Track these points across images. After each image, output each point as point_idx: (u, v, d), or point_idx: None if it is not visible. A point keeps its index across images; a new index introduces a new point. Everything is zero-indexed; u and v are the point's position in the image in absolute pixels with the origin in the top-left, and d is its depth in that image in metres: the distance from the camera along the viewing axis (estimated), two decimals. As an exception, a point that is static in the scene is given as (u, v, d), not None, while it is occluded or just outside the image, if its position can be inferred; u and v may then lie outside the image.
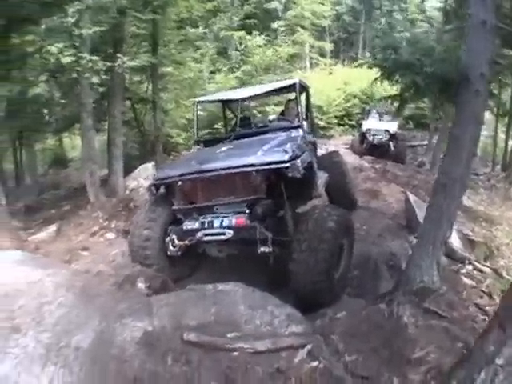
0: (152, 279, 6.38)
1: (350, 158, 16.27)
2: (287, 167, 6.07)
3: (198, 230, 6.45)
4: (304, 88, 9.30)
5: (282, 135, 7.60)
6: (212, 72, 24.05)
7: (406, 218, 9.25)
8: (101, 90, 14.37)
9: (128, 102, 18.50)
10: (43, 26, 12.35)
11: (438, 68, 5.70)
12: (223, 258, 6.90)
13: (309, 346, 4.09)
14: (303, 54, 33.72)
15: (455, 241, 7.85)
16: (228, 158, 6.69)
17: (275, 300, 4.97)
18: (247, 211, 6.30)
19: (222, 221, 6.32)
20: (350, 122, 27.13)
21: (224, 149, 7.34)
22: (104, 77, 12.21)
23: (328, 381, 3.84)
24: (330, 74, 30.38)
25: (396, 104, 8.95)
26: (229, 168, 6.36)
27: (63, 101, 17.40)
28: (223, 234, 6.24)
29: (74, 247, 9.59)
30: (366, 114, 21.62)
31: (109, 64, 12.10)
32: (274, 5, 28.81)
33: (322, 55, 36.11)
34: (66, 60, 11.31)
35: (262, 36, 25.29)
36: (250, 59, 24.68)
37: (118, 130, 14.87)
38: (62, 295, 4.68)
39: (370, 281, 6.90)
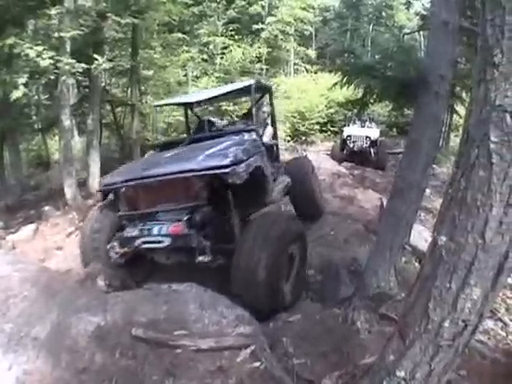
0: (112, 277, 6.39)
1: (328, 164, 16.27)
2: (226, 172, 5.77)
3: (137, 238, 6.30)
4: (265, 90, 9.52)
5: (233, 139, 7.31)
6: (197, 76, 23.89)
7: (380, 225, 9.23)
8: (84, 92, 14.43)
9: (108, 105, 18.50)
10: (30, 28, 12.42)
11: (397, 70, 5.70)
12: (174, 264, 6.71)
13: (252, 347, 4.18)
14: (287, 60, 33.77)
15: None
16: (171, 164, 6.49)
17: (226, 301, 5.05)
18: (185, 218, 6.00)
19: (161, 228, 6.13)
20: (332, 129, 27.15)
21: (171, 154, 7.24)
22: (81, 79, 12.26)
23: (268, 382, 3.90)
24: (314, 80, 30.35)
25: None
26: (168, 174, 6.15)
27: (47, 102, 17.46)
28: (161, 241, 6.07)
29: (50, 246, 9.97)
30: (347, 120, 21.69)
31: (85, 66, 12.12)
32: (257, 9, 28.66)
33: (307, 61, 36.12)
34: (45, 63, 11.36)
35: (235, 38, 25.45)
36: (226, 62, 24.70)
37: (95, 133, 15.07)
38: (27, 289, 4.95)
39: (331, 286, 6.82)
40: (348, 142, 19.25)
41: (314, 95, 27.00)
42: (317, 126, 26.66)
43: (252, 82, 8.16)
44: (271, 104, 9.51)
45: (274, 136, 9.24)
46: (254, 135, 7.53)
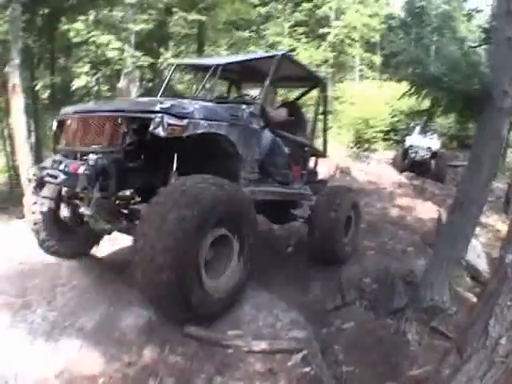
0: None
1: (389, 173, 16.27)
2: (148, 118, 4.61)
3: (45, 168, 5.46)
4: (315, 81, 8.07)
5: (220, 106, 5.73)
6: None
7: (437, 238, 9.13)
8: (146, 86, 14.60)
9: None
10: (91, 17, 12.62)
11: (464, 84, 5.63)
12: None
13: (304, 352, 4.11)
14: (352, 66, 33.57)
15: (482, 263, 7.75)
16: (118, 104, 5.64)
17: (282, 304, 5.02)
18: (91, 161, 4.77)
19: (67, 164, 5.06)
20: (395, 138, 26.81)
21: (144, 99, 6.48)
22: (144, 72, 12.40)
23: None
24: (379, 87, 30.10)
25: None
26: (101, 111, 5.25)
27: (108, 94, 17.77)
28: (57, 177, 5.12)
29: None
30: (409, 130, 21.43)
31: (151, 60, 12.29)
32: (325, 12, 28.45)
33: (372, 68, 35.84)
34: (113, 53, 11.55)
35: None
36: None
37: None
38: (77, 279, 5.04)
39: (385, 295, 6.65)
40: (410, 151, 18.98)
41: (378, 103, 26.67)
42: (380, 134, 26.28)
43: (278, 52, 6.83)
44: (324, 100, 8.20)
45: (310, 135, 7.90)
46: (250, 109, 6.02)
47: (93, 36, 12.09)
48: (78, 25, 12.33)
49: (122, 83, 13.72)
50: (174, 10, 14.19)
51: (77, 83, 13.18)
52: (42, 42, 16.11)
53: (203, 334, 4.25)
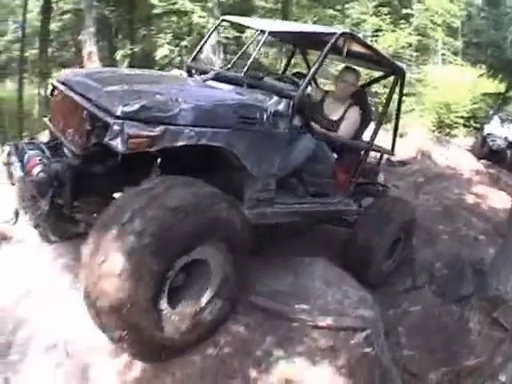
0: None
1: (468, 160, 16.04)
2: (106, 124, 3.51)
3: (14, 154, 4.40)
4: (394, 70, 6.36)
5: (238, 93, 4.65)
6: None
7: (508, 228, 9.05)
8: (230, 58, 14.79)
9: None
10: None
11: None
12: None
13: (368, 331, 4.10)
14: (435, 50, 33.07)
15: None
16: (97, 90, 3.97)
17: (352, 281, 4.97)
18: (53, 163, 4.01)
19: (30, 158, 4.13)
20: (475, 125, 26.34)
21: (139, 75, 5.10)
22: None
23: (374, 369, 3.89)
24: (461, 72, 29.53)
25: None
26: (77, 93, 4.12)
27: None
28: (15, 169, 4.17)
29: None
30: (489, 118, 21.04)
31: (237, 34, 12.43)
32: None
33: (454, 53, 35.20)
34: (198, 19, 11.73)
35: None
36: (378, 45, 23.85)
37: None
38: None
39: (454, 281, 6.66)
40: (488, 139, 18.70)
41: (460, 88, 26.28)
42: (461, 120, 25.87)
43: (337, 31, 5.09)
44: (400, 93, 6.56)
45: (373, 134, 6.27)
46: (279, 106, 4.61)
47: (176, 4, 12.30)
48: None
49: (203, 55, 13.80)
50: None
51: (159, 53, 13.44)
52: (120, 12, 16.51)
53: (270, 305, 4.23)
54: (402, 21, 25.69)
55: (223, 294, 3.79)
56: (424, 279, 6.61)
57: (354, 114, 6.18)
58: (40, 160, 3.99)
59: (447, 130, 25.25)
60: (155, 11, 13.49)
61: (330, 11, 20.45)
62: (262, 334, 3.91)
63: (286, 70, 8.02)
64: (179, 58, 18.28)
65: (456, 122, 25.79)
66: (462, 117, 25.94)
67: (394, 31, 24.31)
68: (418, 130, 18.69)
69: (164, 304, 3.34)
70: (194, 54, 6.42)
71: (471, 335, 4.96)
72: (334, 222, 6.57)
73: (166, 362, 3.51)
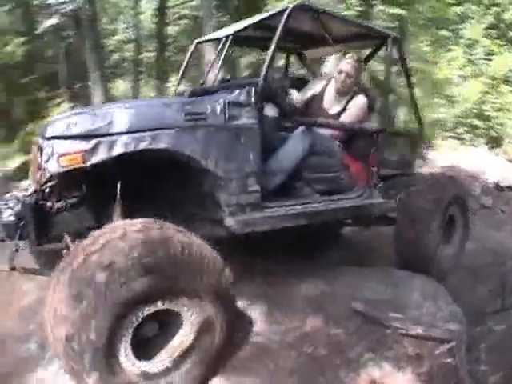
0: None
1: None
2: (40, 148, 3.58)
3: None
4: (378, 37, 5.85)
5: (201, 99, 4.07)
6: (463, 76, 23.58)
7: None
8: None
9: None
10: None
11: None
12: None
13: (452, 343, 4.31)
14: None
15: None
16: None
17: (447, 296, 5.22)
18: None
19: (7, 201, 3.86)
20: None
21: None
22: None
23: (451, 379, 4.11)
24: None
25: None
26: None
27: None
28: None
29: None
30: None
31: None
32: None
33: None
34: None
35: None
36: (490, 68, 23.67)
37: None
38: None
39: None
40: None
41: None
42: None
43: (289, 5, 4.52)
44: (402, 61, 6.16)
45: (384, 112, 6.04)
46: (237, 97, 4.15)
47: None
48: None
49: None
50: (374, 2, 14.89)
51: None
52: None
53: (369, 311, 4.50)
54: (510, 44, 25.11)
55: (198, 355, 3.34)
56: (512, 301, 6.56)
57: (357, 103, 5.66)
58: (5, 204, 3.79)
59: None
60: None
61: (444, 32, 20.43)
62: (358, 338, 4.22)
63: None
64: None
65: None
66: None
67: (501, 53, 23.85)
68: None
69: (125, 355, 2.99)
70: (179, 79, 6.41)
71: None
72: (377, 221, 6.08)
73: (260, 352, 3.83)
